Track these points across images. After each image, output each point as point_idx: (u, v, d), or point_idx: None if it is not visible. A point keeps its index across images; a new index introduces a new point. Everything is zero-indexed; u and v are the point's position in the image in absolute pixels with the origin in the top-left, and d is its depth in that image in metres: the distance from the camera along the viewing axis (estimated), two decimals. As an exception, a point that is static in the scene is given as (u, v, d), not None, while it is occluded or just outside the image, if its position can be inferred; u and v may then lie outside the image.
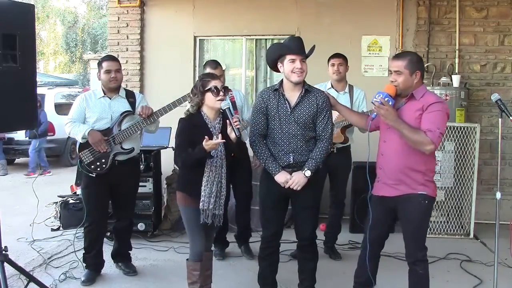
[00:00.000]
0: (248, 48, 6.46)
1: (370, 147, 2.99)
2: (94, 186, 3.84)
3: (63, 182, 7.80)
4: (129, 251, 4.22)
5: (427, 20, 5.88)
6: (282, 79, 3.26)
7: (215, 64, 4.32)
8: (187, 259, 3.30)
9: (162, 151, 5.37)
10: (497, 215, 3.13)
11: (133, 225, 4.34)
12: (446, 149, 5.25)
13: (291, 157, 3.19)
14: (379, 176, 3.12)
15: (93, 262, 3.96)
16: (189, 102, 3.24)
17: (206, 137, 2.99)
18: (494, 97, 3.17)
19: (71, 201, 5.22)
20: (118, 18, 6.43)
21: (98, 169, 3.79)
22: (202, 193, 3.11)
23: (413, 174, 2.96)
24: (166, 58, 6.33)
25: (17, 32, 3.03)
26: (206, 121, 3.17)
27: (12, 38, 3.01)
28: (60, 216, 5.21)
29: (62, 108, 10.32)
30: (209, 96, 3.13)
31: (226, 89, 3.22)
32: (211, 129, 3.16)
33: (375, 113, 2.99)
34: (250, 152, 3.54)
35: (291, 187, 3.15)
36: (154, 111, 3.87)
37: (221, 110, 3.19)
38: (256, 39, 6.41)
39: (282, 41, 3.55)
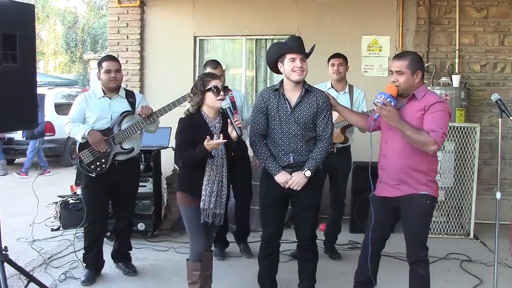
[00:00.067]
0: (248, 48, 6.46)
1: (372, 147, 2.99)
2: (94, 186, 3.84)
3: (63, 182, 7.81)
4: (129, 251, 4.22)
5: (427, 20, 5.88)
6: (283, 79, 3.26)
7: (215, 64, 4.32)
8: (187, 259, 3.30)
9: (162, 151, 5.38)
10: (497, 215, 3.13)
11: (133, 225, 4.35)
12: (446, 149, 5.25)
13: (291, 157, 3.19)
14: (381, 177, 3.12)
15: (93, 262, 3.96)
16: (189, 102, 3.24)
17: (208, 137, 3.00)
18: (494, 97, 3.16)
19: (71, 201, 5.23)
20: (118, 18, 6.43)
21: (98, 169, 3.79)
22: (202, 192, 3.11)
23: (415, 174, 2.96)
24: (166, 58, 6.33)
25: (17, 32, 3.03)
26: (207, 121, 3.18)
27: (12, 38, 3.01)
28: (60, 216, 5.22)
29: (62, 108, 10.32)
30: (209, 96, 3.14)
31: (226, 89, 3.23)
32: (211, 129, 3.16)
33: (377, 114, 2.98)
34: (250, 152, 3.54)
35: (291, 187, 3.15)
36: (154, 111, 3.87)
37: (221, 110, 3.20)
38: (256, 39, 6.41)
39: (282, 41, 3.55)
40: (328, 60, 4.44)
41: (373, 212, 3.06)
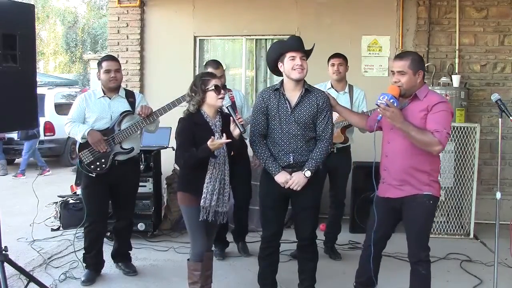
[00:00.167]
0: (248, 48, 6.46)
1: (374, 147, 2.98)
2: (94, 186, 3.84)
3: (63, 182, 7.81)
4: (129, 251, 4.22)
5: (427, 20, 5.88)
6: (283, 79, 3.26)
7: (216, 64, 4.32)
8: (188, 259, 3.30)
9: (162, 151, 5.37)
10: (497, 215, 3.13)
11: (133, 225, 4.35)
12: (446, 149, 5.23)
13: (291, 157, 3.19)
14: (383, 177, 3.11)
15: (93, 262, 3.96)
16: (187, 102, 3.24)
17: (212, 137, 3.01)
18: (494, 97, 3.16)
19: (71, 201, 5.23)
20: (118, 18, 6.43)
21: (98, 169, 3.79)
22: (204, 190, 3.11)
23: (418, 174, 2.95)
24: (166, 58, 6.33)
25: (17, 32, 3.03)
26: (207, 120, 3.18)
27: (12, 38, 3.01)
28: (60, 216, 5.22)
29: (62, 108, 10.32)
30: (210, 95, 3.15)
31: (224, 88, 3.24)
32: (212, 127, 3.18)
33: (380, 115, 2.97)
34: (250, 152, 3.54)
35: (291, 187, 3.15)
36: (153, 110, 3.87)
37: (222, 109, 3.22)
38: (256, 39, 6.41)
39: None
40: (328, 60, 4.44)
41: (376, 213, 3.05)
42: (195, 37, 6.40)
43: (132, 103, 3.95)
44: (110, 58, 3.99)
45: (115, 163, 3.84)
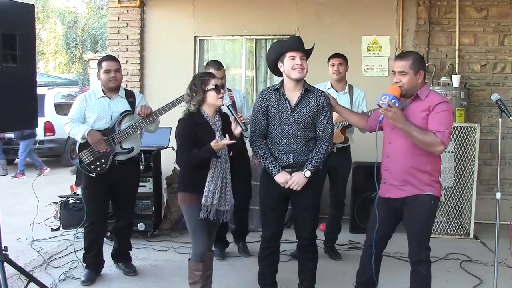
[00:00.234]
0: (248, 48, 6.46)
1: (376, 147, 2.98)
2: (94, 186, 3.84)
3: (63, 182, 7.81)
4: (129, 251, 4.22)
5: (427, 20, 5.88)
6: (283, 79, 3.27)
7: (218, 65, 4.30)
8: (189, 259, 3.29)
9: (162, 151, 5.37)
10: (497, 215, 3.13)
11: (133, 225, 4.34)
12: (446, 149, 5.24)
13: (291, 157, 3.19)
14: (385, 178, 3.11)
15: (93, 262, 3.96)
16: (187, 102, 3.24)
17: (217, 138, 3.04)
18: (494, 97, 3.16)
19: (71, 201, 5.23)
20: (118, 18, 6.43)
21: (98, 169, 3.79)
22: (205, 189, 3.11)
23: (420, 174, 2.95)
24: (166, 58, 6.33)
25: (17, 32, 3.03)
26: (207, 119, 3.19)
27: (12, 38, 3.01)
28: (60, 216, 5.22)
29: (62, 108, 10.32)
30: (211, 94, 3.16)
31: (223, 87, 3.26)
32: (212, 127, 3.19)
33: (382, 116, 2.97)
34: (250, 151, 3.54)
35: (291, 187, 3.15)
36: (153, 110, 3.87)
37: (218, 110, 3.22)
38: (256, 39, 6.41)
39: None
40: (328, 60, 4.44)
41: (377, 213, 3.05)
42: (195, 37, 6.40)
43: (132, 103, 3.95)
44: (110, 58, 3.99)
45: (115, 163, 3.84)
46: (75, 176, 6.13)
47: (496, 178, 3.35)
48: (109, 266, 4.17)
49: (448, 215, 5.30)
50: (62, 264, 4.25)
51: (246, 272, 4.14)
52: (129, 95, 4.00)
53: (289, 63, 3.13)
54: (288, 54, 3.14)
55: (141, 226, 5.00)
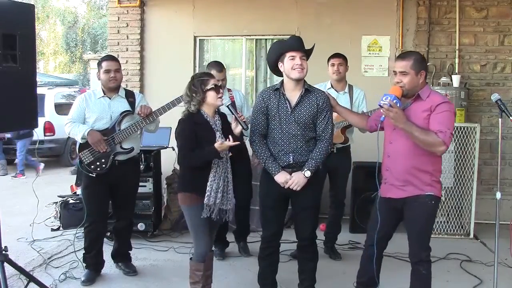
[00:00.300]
0: (248, 48, 6.46)
1: (378, 147, 2.98)
2: (94, 186, 3.84)
3: (63, 182, 7.81)
4: (129, 251, 4.22)
5: (427, 20, 5.88)
6: (283, 79, 3.27)
7: (220, 67, 4.29)
8: (190, 258, 3.29)
9: (162, 151, 5.37)
10: (497, 215, 3.13)
11: (133, 225, 4.34)
12: (446, 149, 5.25)
13: (291, 157, 3.19)
14: (385, 178, 3.10)
15: (93, 262, 3.96)
16: (186, 103, 3.24)
17: (221, 139, 3.06)
18: (494, 97, 3.16)
19: (71, 201, 5.23)
20: (118, 18, 6.43)
21: (98, 169, 3.79)
22: (208, 188, 3.12)
23: (421, 174, 2.95)
24: (166, 58, 6.33)
25: (17, 32, 3.03)
26: (207, 119, 3.20)
27: (12, 38, 3.01)
28: (60, 216, 5.22)
29: (62, 108, 10.31)
30: (211, 94, 3.17)
31: (221, 87, 3.31)
32: (213, 126, 3.19)
33: (383, 116, 2.96)
34: (250, 151, 3.55)
35: (290, 187, 3.15)
36: (153, 110, 3.87)
37: (225, 107, 3.24)
38: (256, 39, 6.41)
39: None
40: (328, 60, 4.44)
41: (379, 213, 3.04)
42: (195, 37, 6.40)
43: (132, 103, 3.95)
44: (110, 58, 3.99)
45: (115, 163, 3.84)
46: (75, 176, 6.13)
47: (496, 178, 3.35)
48: (109, 266, 4.17)
49: (448, 215, 5.30)
50: (62, 264, 4.25)
51: (246, 272, 4.14)
52: (129, 95, 4.00)
53: (289, 63, 3.13)
54: (288, 54, 3.14)
55: (141, 226, 5.00)
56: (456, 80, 5.57)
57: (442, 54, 5.90)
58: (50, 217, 5.51)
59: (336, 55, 4.42)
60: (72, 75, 22.88)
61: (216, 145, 3.04)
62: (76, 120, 3.82)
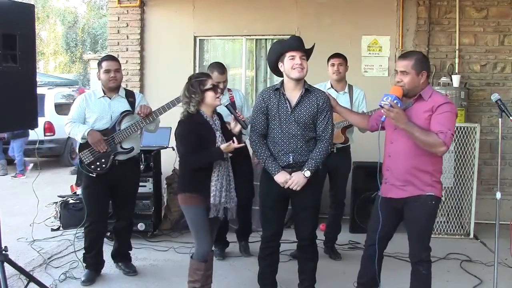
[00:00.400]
0: (248, 48, 6.46)
1: (379, 147, 2.98)
2: (95, 186, 3.84)
3: (63, 182, 7.81)
4: (129, 251, 4.22)
5: (427, 20, 5.88)
6: (283, 79, 3.27)
7: (222, 69, 4.26)
8: (191, 256, 3.28)
9: (162, 151, 5.37)
10: (497, 215, 3.12)
11: (133, 225, 4.35)
12: (446, 149, 5.25)
13: (291, 157, 3.19)
14: (386, 178, 3.10)
15: (93, 262, 3.96)
16: (184, 104, 3.24)
17: (230, 141, 3.08)
18: (494, 97, 3.16)
19: (71, 201, 5.23)
20: (118, 18, 6.43)
21: (98, 169, 3.79)
22: (212, 188, 3.13)
23: (421, 175, 2.95)
24: (166, 58, 6.33)
25: (17, 32, 3.03)
26: (207, 119, 3.20)
27: (12, 38, 3.01)
28: (60, 216, 5.22)
29: (62, 108, 10.30)
30: (209, 95, 3.18)
31: (219, 87, 3.33)
32: (212, 126, 3.20)
33: (384, 116, 2.96)
34: (251, 150, 3.55)
35: (290, 187, 3.15)
36: (153, 110, 3.87)
37: (224, 107, 3.25)
38: (256, 39, 6.41)
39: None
40: (328, 60, 4.43)
41: (380, 213, 3.05)
42: (195, 37, 6.40)
43: (132, 103, 3.95)
44: (110, 58, 4.00)
45: (115, 163, 3.84)
46: (75, 176, 6.13)
47: (496, 178, 3.35)
48: (109, 266, 4.17)
49: (448, 215, 5.30)
50: (62, 264, 4.25)
51: (246, 272, 4.14)
52: (129, 95, 4.00)
53: (289, 63, 3.14)
54: (288, 54, 3.14)
55: (141, 226, 5.00)
56: (456, 80, 5.57)
57: (442, 54, 5.89)
58: (50, 217, 5.51)
59: (336, 55, 4.42)
60: (72, 75, 22.87)
61: (222, 146, 3.07)
62: (76, 120, 3.83)
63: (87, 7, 26.32)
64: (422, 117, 2.90)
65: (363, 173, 5.24)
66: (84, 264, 3.99)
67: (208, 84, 3.18)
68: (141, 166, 4.80)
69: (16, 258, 3.94)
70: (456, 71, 5.79)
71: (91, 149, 3.77)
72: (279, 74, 3.29)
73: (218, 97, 3.19)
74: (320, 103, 3.21)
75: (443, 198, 5.21)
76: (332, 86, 4.42)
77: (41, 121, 9.56)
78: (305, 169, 3.15)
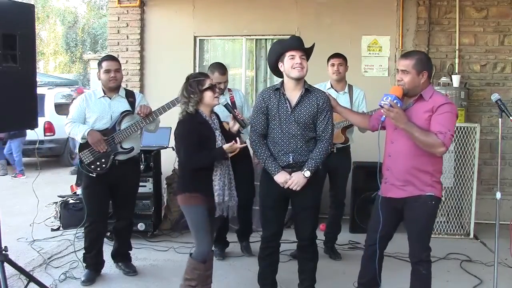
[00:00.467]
0: (248, 48, 6.46)
1: (379, 147, 2.98)
2: (95, 186, 3.84)
3: (63, 182, 7.81)
4: (129, 251, 4.22)
5: (427, 20, 5.88)
6: (283, 79, 3.27)
7: (222, 69, 4.27)
8: (190, 254, 3.27)
9: (162, 151, 5.37)
10: (497, 215, 3.13)
11: (133, 225, 4.35)
12: (446, 149, 5.25)
13: (291, 157, 3.19)
14: (386, 177, 3.10)
15: (93, 262, 3.96)
16: (183, 104, 3.24)
17: (233, 141, 3.10)
18: (494, 97, 3.16)
19: (71, 201, 5.23)
20: (118, 18, 6.43)
21: (98, 169, 3.79)
22: (216, 187, 3.15)
23: (421, 175, 2.95)
24: (166, 58, 6.33)
25: (17, 32, 3.03)
26: (206, 119, 3.21)
27: (12, 38, 3.01)
28: (60, 216, 5.22)
29: (62, 108, 10.31)
30: (208, 94, 3.19)
31: (216, 86, 3.35)
32: (212, 126, 3.21)
33: (384, 116, 2.96)
34: (251, 150, 3.55)
35: (290, 187, 3.15)
36: (153, 110, 3.87)
37: (223, 106, 3.26)
38: (256, 39, 6.41)
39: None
40: (328, 60, 4.43)
41: (380, 213, 3.05)
42: (195, 37, 6.40)
43: (132, 103, 3.95)
44: (110, 58, 4.00)
45: (115, 163, 3.84)
46: (75, 176, 6.13)
47: (496, 178, 3.35)
48: (109, 266, 4.17)
49: (448, 215, 5.30)
50: (62, 264, 4.25)
51: (246, 272, 4.14)
52: (129, 95, 4.00)
53: (289, 62, 3.14)
54: (288, 54, 3.14)
55: (141, 226, 5.00)
56: (456, 80, 5.57)
57: (442, 54, 5.89)
58: (50, 217, 5.51)
59: (336, 55, 4.42)
60: (72, 75, 22.86)
61: (226, 146, 3.08)
62: (76, 120, 3.83)
63: (87, 7, 26.32)
64: (422, 117, 2.89)
65: (363, 173, 5.24)
66: (84, 264, 3.99)
67: (206, 84, 3.18)
68: (141, 166, 4.81)
69: (16, 258, 3.94)
70: (456, 71, 5.79)
71: (91, 149, 3.77)
72: (279, 74, 3.29)
73: (216, 97, 3.21)
74: (320, 103, 3.20)
75: (443, 198, 5.21)
76: (332, 86, 4.42)
77: (41, 121, 9.57)
78: (305, 169, 3.15)
